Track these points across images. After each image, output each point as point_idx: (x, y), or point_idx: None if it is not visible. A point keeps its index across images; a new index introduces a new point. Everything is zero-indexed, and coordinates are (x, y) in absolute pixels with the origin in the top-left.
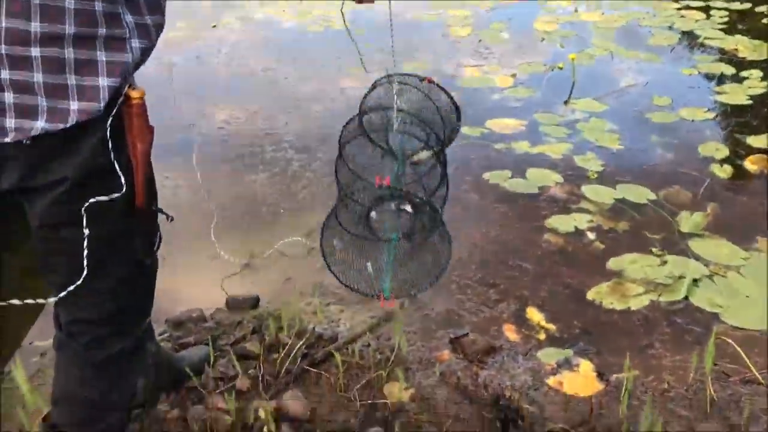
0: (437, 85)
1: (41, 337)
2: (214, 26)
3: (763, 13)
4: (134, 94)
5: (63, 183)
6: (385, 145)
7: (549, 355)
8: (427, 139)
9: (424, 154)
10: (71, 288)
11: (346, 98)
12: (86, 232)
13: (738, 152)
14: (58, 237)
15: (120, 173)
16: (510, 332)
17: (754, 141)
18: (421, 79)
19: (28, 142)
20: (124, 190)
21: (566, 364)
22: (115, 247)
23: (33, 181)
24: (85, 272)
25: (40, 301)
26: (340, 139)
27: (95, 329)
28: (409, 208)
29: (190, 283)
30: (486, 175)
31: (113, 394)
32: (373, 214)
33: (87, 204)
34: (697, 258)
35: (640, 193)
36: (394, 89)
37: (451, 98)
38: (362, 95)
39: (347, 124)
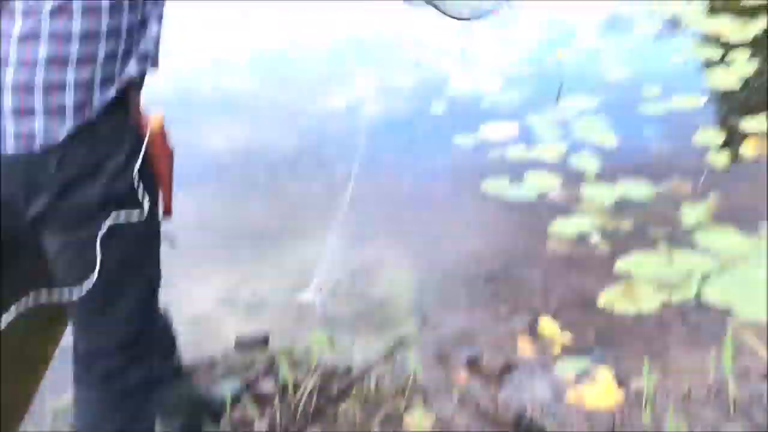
0: None
1: (53, 391)
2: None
3: None
4: (155, 118)
5: (89, 204)
6: None
7: (566, 367)
8: None
9: None
10: (88, 285)
11: (336, 117)
12: (104, 253)
13: (734, 137)
14: (79, 257)
15: (142, 195)
16: (525, 346)
17: (749, 124)
18: None
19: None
20: (146, 213)
21: (585, 375)
22: (133, 269)
23: (64, 202)
24: (95, 275)
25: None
26: None
27: (112, 358)
28: None
29: (195, 323)
30: (484, 185)
31: (134, 426)
32: None
33: (109, 225)
34: (705, 251)
35: (640, 190)
36: None
37: None
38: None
39: None
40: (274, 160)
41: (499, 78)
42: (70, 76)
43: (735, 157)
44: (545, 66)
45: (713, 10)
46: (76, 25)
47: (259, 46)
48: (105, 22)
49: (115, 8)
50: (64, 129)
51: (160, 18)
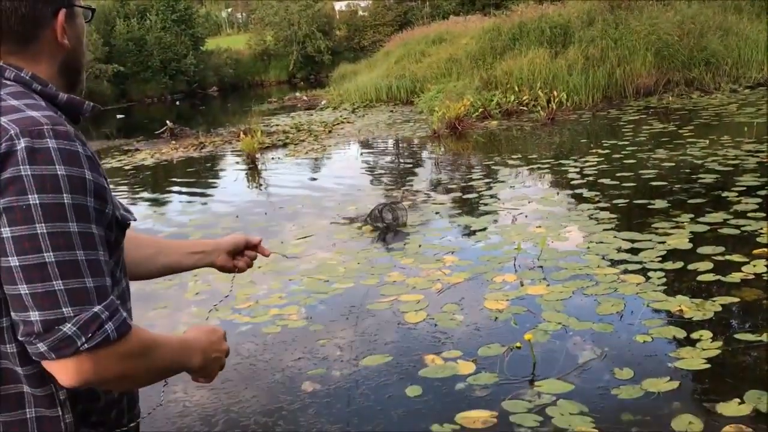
0: None
1: None
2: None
3: (696, 270)
4: None
5: None
6: None
7: None
8: None
9: None
10: None
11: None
12: None
13: (711, 423)
14: None
15: None
16: None
17: (725, 409)
18: None
19: None
20: None
21: None
22: None
23: None
24: None
25: None
26: None
27: None
28: None
29: None
30: None
31: None
32: None
33: None
34: None
35: None
36: None
37: None
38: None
39: None
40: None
41: (471, 361)
42: None
43: None
44: (516, 348)
45: (671, 288)
46: None
47: (229, 329)
48: None
49: None
50: None
51: None
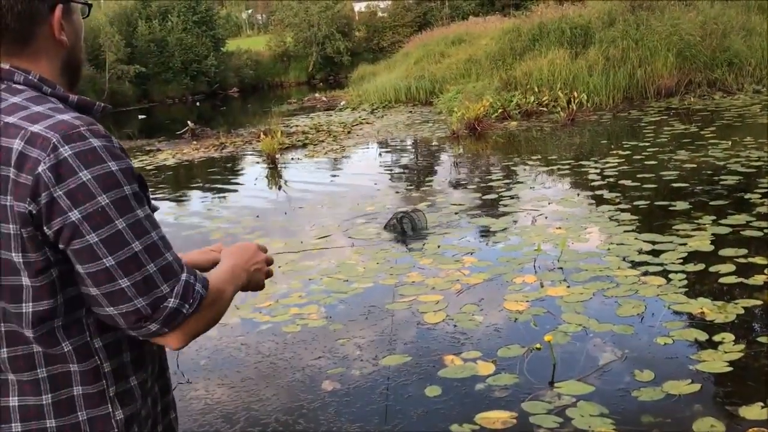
0: None
1: None
2: None
3: (718, 272)
4: None
5: None
6: None
7: None
8: None
9: None
10: None
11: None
12: None
13: (734, 427)
14: None
15: None
16: None
17: (748, 412)
18: None
19: None
20: None
21: None
22: None
23: None
24: None
25: None
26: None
27: None
28: None
29: None
30: None
31: None
32: None
33: None
34: None
35: None
36: None
37: None
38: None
39: None
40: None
41: (491, 361)
42: None
43: None
44: (536, 349)
45: (692, 290)
46: None
47: (249, 328)
48: None
49: None
50: None
51: None
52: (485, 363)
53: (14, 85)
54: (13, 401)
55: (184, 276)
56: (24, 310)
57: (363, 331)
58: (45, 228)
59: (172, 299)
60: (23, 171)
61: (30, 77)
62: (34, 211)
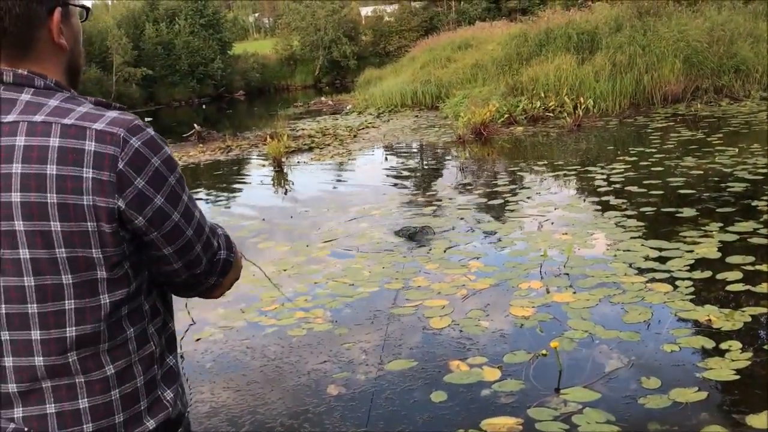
0: None
1: None
2: (198, 339)
3: (725, 279)
4: None
5: None
6: None
7: None
8: None
9: None
10: None
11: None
12: None
13: None
14: None
15: None
16: None
17: (755, 421)
18: None
19: None
20: None
21: None
22: None
23: None
24: None
25: None
26: None
27: None
28: None
29: None
30: None
31: None
32: None
33: None
34: None
35: None
36: None
37: None
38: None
39: None
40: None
41: (497, 367)
42: None
43: None
44: (542, 355)
45: (699, 297)
46: None
47: (255, 331)
48: None
49: None
50: None
51: None
52: (491, 369)
53: (36, 89)
54: (83, 403)
55: (220, 230)
56: (102, 302)
57: (368, 336)
58: (138, 219)
59: (222, 251)
60: (103, 169)
61: (48, 81)
62: (122, 206)
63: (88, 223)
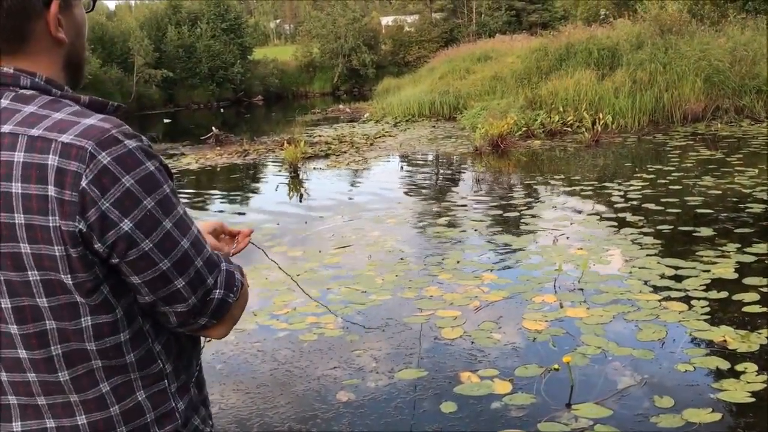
0: None
1: None
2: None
3: (742, 300)
4: None
5: None
6: None
7: None
8: None
9: None
10: None
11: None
12: None
13: None
14: None
15: None
16: None
17: None
18: None
19: None
20: None
21: None
22: None
23: None
24: None
25: None
26: None
27: None
28: None
29: None
30: None
31: None
32: None
33: None
34: None
35: None
36: None
37: None
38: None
39: None
40: None
41: (508, 380)
42: None
43: None
44: (554, 369)
45: (715, 318)
46: None
47: (267, 334)
48: None
49: None
50: None
51: None
52: (502, 381)
53: (22, 91)
54: (81, 419)
55: (223, 266)
56: (84, 325)
57: (380, 344)
58: (98, 245)
59: (218, 290)
60: (65, 188)
61: (36, 80)
62: (84, 229)
63: (55, 247)
